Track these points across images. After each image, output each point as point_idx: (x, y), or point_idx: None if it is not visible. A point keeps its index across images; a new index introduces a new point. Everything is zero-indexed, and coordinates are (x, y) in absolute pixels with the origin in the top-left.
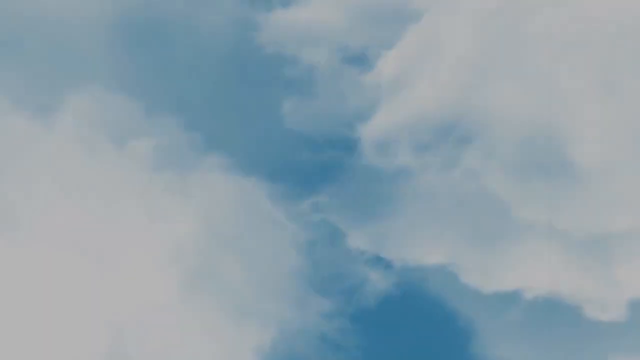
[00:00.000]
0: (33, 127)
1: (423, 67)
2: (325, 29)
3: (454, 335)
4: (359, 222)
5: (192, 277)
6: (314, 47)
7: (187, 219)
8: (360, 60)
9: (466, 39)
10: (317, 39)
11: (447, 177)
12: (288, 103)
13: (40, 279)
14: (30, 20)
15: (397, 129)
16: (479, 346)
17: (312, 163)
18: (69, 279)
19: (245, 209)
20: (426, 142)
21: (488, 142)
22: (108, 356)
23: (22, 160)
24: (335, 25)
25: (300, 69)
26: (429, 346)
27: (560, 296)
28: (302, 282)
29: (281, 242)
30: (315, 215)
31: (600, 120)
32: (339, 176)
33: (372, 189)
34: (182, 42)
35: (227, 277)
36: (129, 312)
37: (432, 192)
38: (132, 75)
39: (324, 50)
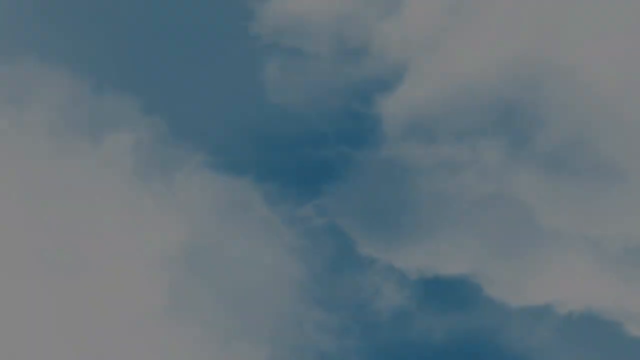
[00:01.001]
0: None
1: (465, 20)
2: None
3: (479, 354)
4: (370, 226)
5: (177, 290)
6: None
7: (172, 225)
8: (380, 4)
9: None
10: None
11: (469, 176)
12: (272, 68)
13: (8, 296)
14: None
15: (428, 108)
16: None
17: (315, 156)
18: (40, 295)
19: (236, 214)
20: (466, 126)
21: (520, 133)
22: None
23: None
24: None
25: (289, 19)
26: None
27: (597, 311)
28: (302, 294)
29: (278, 250)
30: (319, 220)
31: None
32: (348, 171)
33: (385, 188)
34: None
35: (217, 290)
36: (109, 331)
37: (453, 194)
38: (77, 47)
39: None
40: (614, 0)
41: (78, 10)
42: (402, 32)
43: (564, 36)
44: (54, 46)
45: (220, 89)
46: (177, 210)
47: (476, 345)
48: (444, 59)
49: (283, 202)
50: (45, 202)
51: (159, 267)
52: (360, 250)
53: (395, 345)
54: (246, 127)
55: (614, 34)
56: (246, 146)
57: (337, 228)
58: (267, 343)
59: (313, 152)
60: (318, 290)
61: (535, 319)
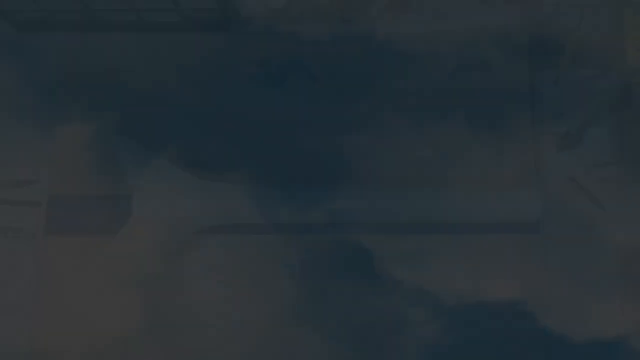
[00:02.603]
0: None
1: None
2: None
3: None
4: (395, 239)
5: (152, 314)
6: None
7: (144, 237)
8: None
9: None
10: None
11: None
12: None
13: None
14: None
15: None
16: None
17: (323, 148)
18: None
19: (221, 223)
20: None
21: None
22: None
23: None
24: None
25: None
26: None
27: None
28: (305, 323)
29: (274, 268)
30: (328, 230)
31: None
32: (366, 168)
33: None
34: None
35: (199, 314)
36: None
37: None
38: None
39: None
40: None
41: None
42: None
43: None
44: None
45: (199, 73)
46: (151, 219)
47: None
48: None
49: (280, 207)
50: None
51: (128, 286)
52: (382, 268)
53: None
54: (232, 115)
55: None
56: (231, 136)
57: (352, 241)
58: None
59: (320, 143)
60: (327, 319)
61: (605, 355)
